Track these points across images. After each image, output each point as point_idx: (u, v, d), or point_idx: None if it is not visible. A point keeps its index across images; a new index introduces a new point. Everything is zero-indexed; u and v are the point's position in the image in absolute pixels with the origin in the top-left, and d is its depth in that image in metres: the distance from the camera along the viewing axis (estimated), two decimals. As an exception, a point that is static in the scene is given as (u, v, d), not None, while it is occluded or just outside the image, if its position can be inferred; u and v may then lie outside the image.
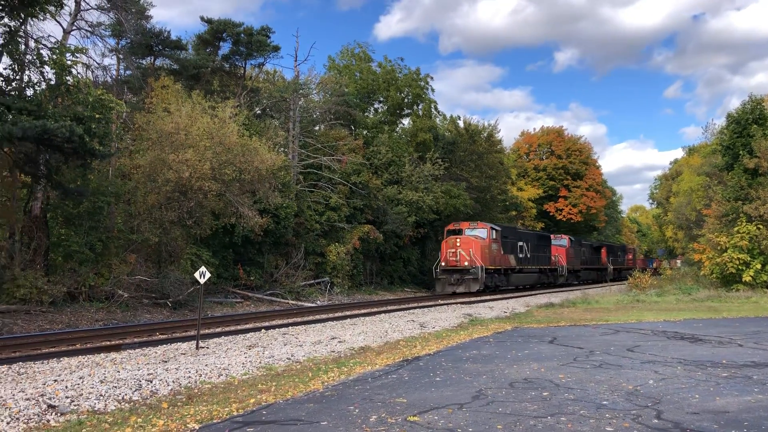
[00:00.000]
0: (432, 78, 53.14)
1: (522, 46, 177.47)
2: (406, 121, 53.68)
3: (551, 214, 72.30)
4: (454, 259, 32.69)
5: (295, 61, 39.77)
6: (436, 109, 53.79)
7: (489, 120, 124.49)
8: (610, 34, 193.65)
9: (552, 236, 47.70)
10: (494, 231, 34.76)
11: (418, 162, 44.47)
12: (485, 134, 57.02)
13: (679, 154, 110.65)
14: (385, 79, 49.95)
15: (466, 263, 32.16)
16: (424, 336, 14.89)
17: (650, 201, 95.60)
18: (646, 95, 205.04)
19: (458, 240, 33.06)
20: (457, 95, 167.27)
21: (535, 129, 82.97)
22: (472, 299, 29.18)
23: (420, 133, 48.73)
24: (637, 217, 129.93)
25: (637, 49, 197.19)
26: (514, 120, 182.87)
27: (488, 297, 31.25)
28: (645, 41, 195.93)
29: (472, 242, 32.81)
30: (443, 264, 33.25)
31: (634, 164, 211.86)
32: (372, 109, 52.31)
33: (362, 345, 13.10)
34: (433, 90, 53.27)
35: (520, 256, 38.37)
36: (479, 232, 34.10)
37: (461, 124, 56.93)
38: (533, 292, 36.85)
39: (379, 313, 21.40)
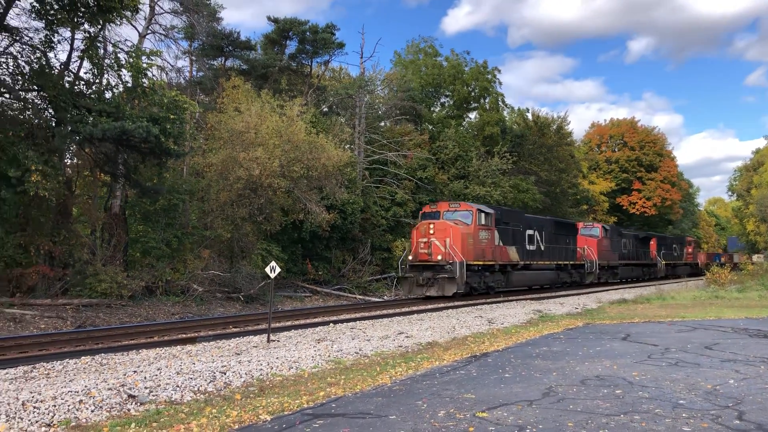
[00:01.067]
0: (499, 71, 52.54)
1: (594, 36, 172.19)
2: (472, 115, 53.28)
3: (624, 207, 70.28)
4: (425, 251, 24.41)
5: (361, 57, 40.05)
6: (503, 102, 53.12)
7: (559, 112, 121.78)
8: (687, 21, 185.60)
9: (580, 224, 39.46)
10: (483, 214, 26.03)
11: (485, 156, 44.04)
12: (554, 126, 56.03)
13: (761, 143, 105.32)
14: (451, 74, 49.67)
15: (439, 257, 23.99)
16: (493, 332, 14.75)
17: (729, 193, 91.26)
18: (726, 83, 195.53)
19: (432, 226, 24.70)
20: (527, 87, 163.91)
21: (605, 120, 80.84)
22: (542, 295, 28.61)
23: (487, 127, 48.25)
24: (715, 210, 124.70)
25: (716, 35, 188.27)
26: (586, 111, 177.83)
27: (561, 293, 30.51)
28: (725, 27, 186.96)
29: (449, 229, 24.38)
30: (411, 258, 25.06)
31: (713, 155, 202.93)
32: (438, 103, 52.14)
33: (429, 340, 13.09)
34: (500, 83, 52.65)
35: (529, 248, 29.80)
36: (461, 216, 25.57)
37: (530, 116, 56.08)
38: (607, 288, 35.76)
39: (446, 308, 21.30)
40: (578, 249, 35.92)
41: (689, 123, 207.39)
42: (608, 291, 33.06)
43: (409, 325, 16.15)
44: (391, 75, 44.33)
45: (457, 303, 23.19)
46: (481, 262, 25.42)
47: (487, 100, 52.02)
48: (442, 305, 22.24)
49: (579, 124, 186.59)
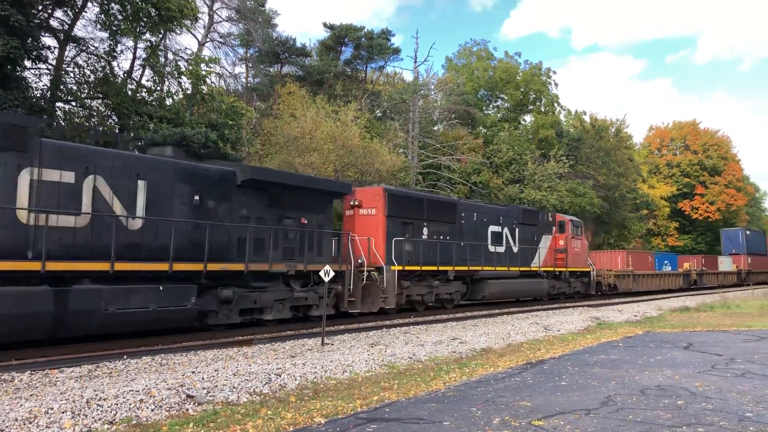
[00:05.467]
0: (554, 72, 51.92)
1: (662, 36, 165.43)
2: (528, 118, 52.71)
3: (686, 212, 68.18)
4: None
5: (415, 62, 40.13)
6: (558, 104, 52.48)
7: (620, 115, 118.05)
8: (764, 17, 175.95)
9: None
10: None
11: (540, 160, 43.43)
12: (613, 129, 54.90)
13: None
14: (503, 77, 49.29)
15: None
16: (549, 339, 14.50)
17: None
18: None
19: None
20: (592, 89, 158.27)
21: (663, 123, 78.65)
22: (599, 302, 27.90)
23: (542, 130, 47.65)
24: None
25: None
26: (653, 114, 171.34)
27: (617, 300, 29.72)
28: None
29: None
30: None
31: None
32: (493, 106, 51.79)
33: (484, 346, 12.95)
34: (555, 84, 52.04)
35: None
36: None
37: (587, 119, 55.14)
38: (668, 295, 34.66)
39: (501, 314, 21.06)
40: None
41: (763, 124, 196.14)
42: (669, 299, 31.96)
43: (462, 330, 16.02)
44: (444, 80, 44.24)
45: (512, 309, 22.95)
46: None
47: (542, 103, 51.38)
48: (497, 311, 22.02)
49: (644, 126, 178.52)
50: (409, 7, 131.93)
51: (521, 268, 24.29)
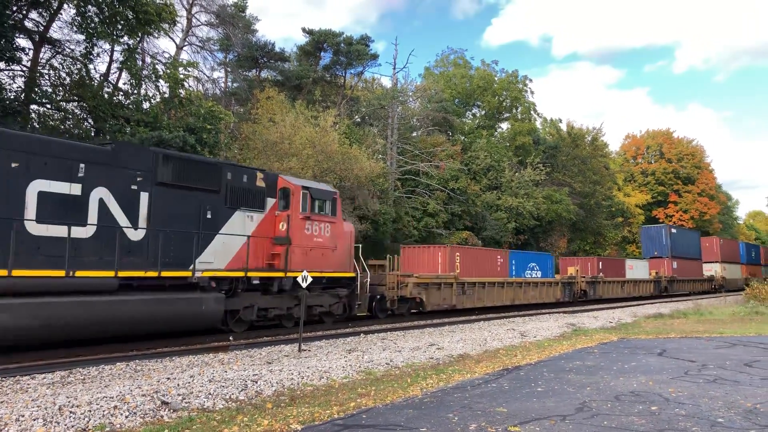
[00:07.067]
0: (531, 80, 52.43)
1: (642, 45, 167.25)
2: (505, 126, 53.19)
3: (660, 220, 69.15)
4: None
5: (394, 69, 40.26)
6: (535, 111, 52.97)
7: (597, 123, 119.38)
8: (739, 30, 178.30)
9: None
10: None
11: (517, 167, 43.80)
12: (589, 138, 55.56)
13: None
14: (481, 84, 49.67)
15: None
16: (525, 345, 14.59)
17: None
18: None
19: None
20: (571, 98, 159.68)
21: (640, 132, 79.78)
22: (575, 308, 28.17)
23: (519, 137, 48.08)
24: (754, 224, 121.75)
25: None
26: (630, 122, 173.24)
27: (593, 306, 30.06)
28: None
29: None
30: None
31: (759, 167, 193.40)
32: (470, 114, 52.17)
33: (461, 352, 12.99)
34: (532, 92, 52.55)
35: None
36: None
37: (564, 127, 55.72)
38: (642, 302, 35.07)
39: (478, 320, 21.16)
40: None
41: (736, 134, 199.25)
42: (644, 305, 32.34)
43: (440, 336, 16.06)
44: (422, 86, 44.45)
45: (489, 315, 23.06)
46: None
47: (518, 110, 51.86)
48: (473, 317, 22.11)
49: (621, 135, 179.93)
50: (391, 15, 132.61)
51: (148, 273, 12.40)
